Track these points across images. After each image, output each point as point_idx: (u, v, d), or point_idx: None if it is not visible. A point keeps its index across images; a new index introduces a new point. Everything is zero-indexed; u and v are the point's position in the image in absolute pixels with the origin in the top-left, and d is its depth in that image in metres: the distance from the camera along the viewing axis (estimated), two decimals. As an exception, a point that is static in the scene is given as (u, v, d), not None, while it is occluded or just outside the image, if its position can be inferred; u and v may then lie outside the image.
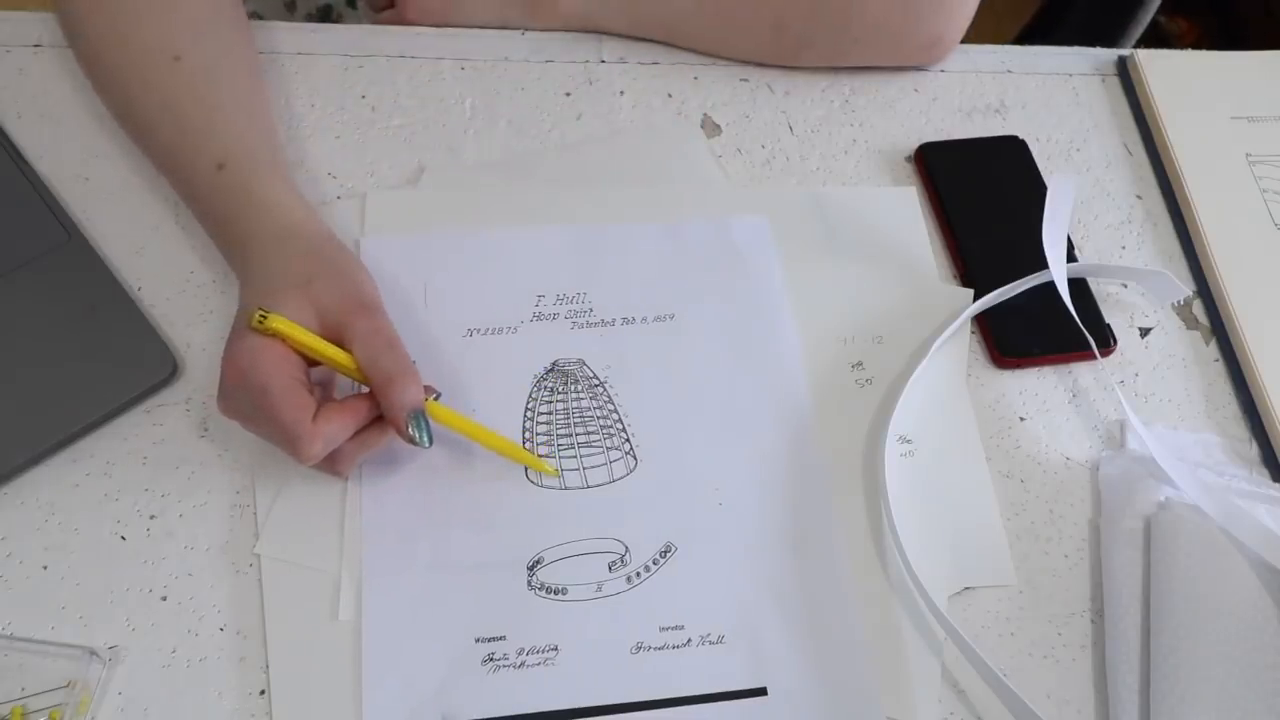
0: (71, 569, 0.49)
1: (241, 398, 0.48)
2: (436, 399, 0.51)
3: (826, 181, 0.65)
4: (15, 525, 0.50)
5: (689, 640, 0.50)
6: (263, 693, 0.47)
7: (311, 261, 0.51)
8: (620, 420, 0.55)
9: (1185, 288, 0.61)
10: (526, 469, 0.53)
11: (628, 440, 0.55)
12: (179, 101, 0.55)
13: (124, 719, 0.46)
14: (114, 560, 0.50)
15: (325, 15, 0.78)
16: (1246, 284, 0.63)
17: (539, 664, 0.49)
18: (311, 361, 0.50)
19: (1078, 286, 0.62)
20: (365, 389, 0.50)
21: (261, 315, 0.47)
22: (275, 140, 0.57)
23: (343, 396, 0.50)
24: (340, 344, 0.49)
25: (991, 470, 0.56)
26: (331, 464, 0.49)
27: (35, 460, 0.51)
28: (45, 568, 0.49)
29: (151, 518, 0.51)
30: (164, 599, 0.49)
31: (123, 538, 0.50)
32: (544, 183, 0.63)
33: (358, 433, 0.49)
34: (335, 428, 0.47)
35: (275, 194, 0.53)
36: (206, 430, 0.53)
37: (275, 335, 0.48)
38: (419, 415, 0.49)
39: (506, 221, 0.61)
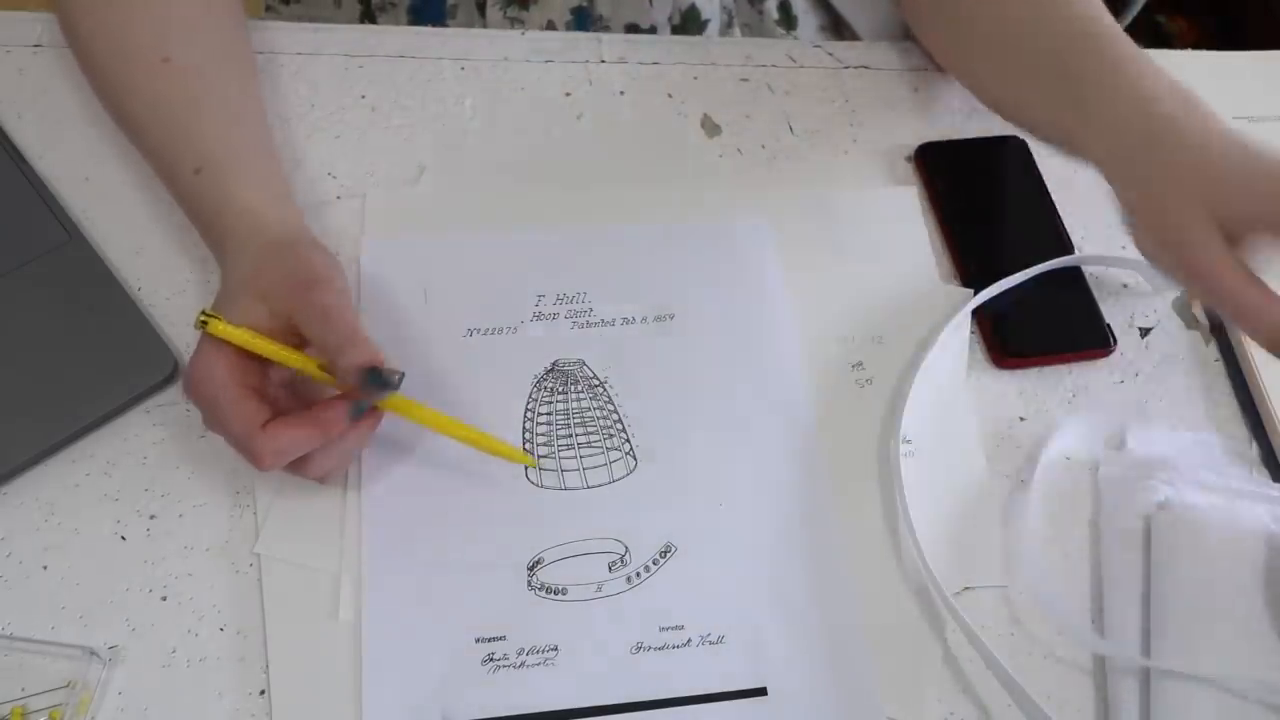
0: (71, 569, 0.49)
1: (201, 409, 0.48)
2: (399, 381, 0.48)
3: (826, 182, 0.65)
4: (15, 525, 0.50)
5: (689, 640, 0.50)
6: (263, 693, 0.47)
7: (265, 255, 0.50)
8: (620, 420, 0.55)
9: None
10: (526, 469, 0.53)
11: (628, 440, 0.55)
12: (164, 104, 0.54)
13: (124, 719, 0.46)
14: (114, 560, 0.50)
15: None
16: (1246, 284, 0.62)
17: (539, 664, 0.49)
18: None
19: (1077, 286, 0.62)
20: (333, 393, 0.49)
21: (202, 320, 0.47)
22: (262, 141, 0.57)
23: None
24: (295, 331, 0.48)
25: (991, 470, 0.56)
26: (300, 470, 0.48)
27: (35, 460, 0.51)
28: (45, 568, 0.49)
29: (151, 518, 0.51)
30: (164, 599, 0.49)
31: (123, 538, 0.50)
32: (544, 183, 0.63)
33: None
34: (289, 438, 0.46)
35: (248, 197, 0.52)
36: (206, 430, 0.53)
37: (219, 340, 0.47)
38: (370, 373, 0.46)
39: (506, 221, 0.61)
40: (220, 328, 0.47)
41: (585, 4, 0.74)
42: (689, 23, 0.76)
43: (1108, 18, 0.57)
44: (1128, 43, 0.55)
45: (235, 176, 0.53)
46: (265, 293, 0.48)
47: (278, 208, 0.53)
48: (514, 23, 0.75)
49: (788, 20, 0.79)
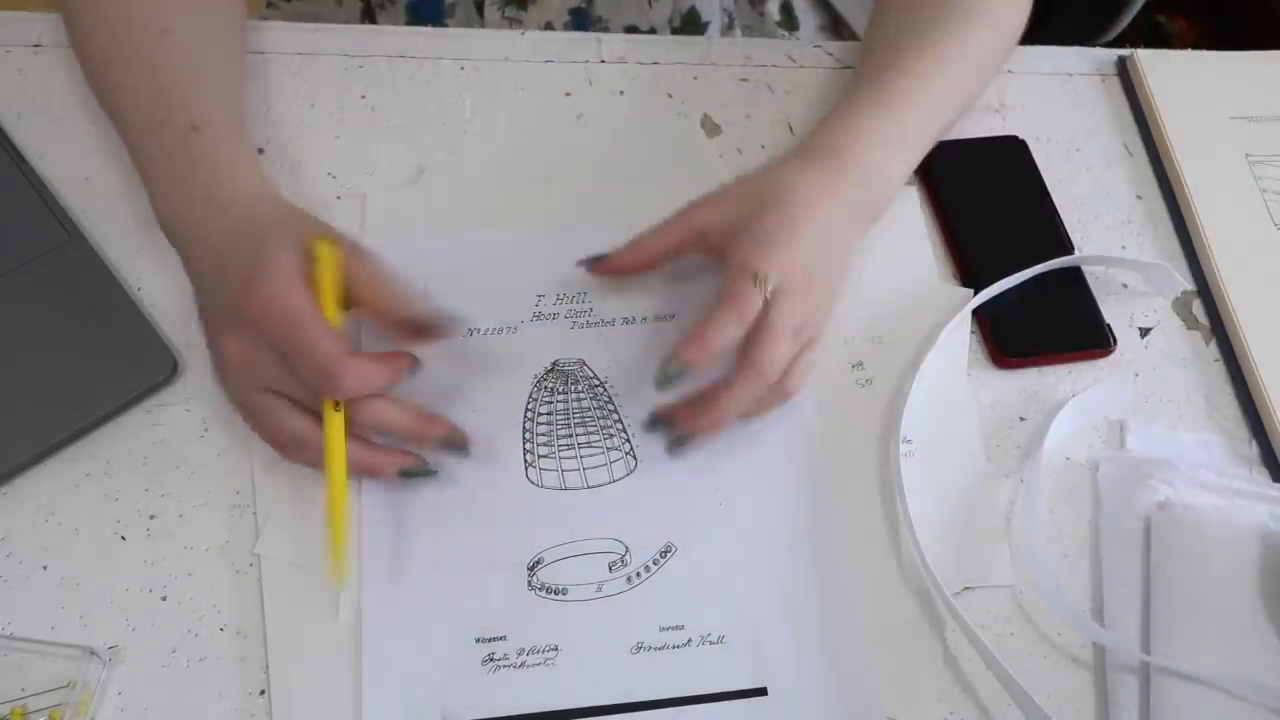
0: (71, 569, 0.49)
1: (273, 324, 0.46)
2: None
3: (826, 181, 0.65)
4: (15, 525, 0.50)
5: (689, 640, 0.50)
6: (263, 693, 0.47)
7: (283, 212, 0.51)
8: (620, 420, 0.55)
9: (1184, 281, 0.62)
10: (526, 469, 0.53)
11: (628, 440, 0.55)
12: (161, 67, 0.55)
13: (124, 719, 0.46)
14: (114, 560, 0.50)
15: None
16: (1246, 284, 0.63)
17: (539, 664, 0.49)
18: None
19: (1077, 286, 0.62)
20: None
21: (323, 240, 0.48)
22: (247, 123, 0.57)
23: None
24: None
25: (991, 470, 0.56)
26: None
27: (35, 460, 0.51)
28: (45, 568, 0.49)
29: (151, 518, 0.51)
30: (164, 599, 0.49)
31: (123, 538, 0.50)
32: (544, 183, 0.63)
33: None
34: (371, 366, 0.47)
35: (247, 160, 0.53)
36: (206, 430, 0.53)
37: (323, 261, 0.47)
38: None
39: (507, 221, 0.61)
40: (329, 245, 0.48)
41: (584, 5, 0.74)
42: (689, 25, 0.76)
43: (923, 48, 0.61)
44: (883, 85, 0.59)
45: (231, 137, 0.54)
46: (299, 243, 0.48)
47: (266, 176, 0.54)
48: (512, 23, 0.75)
49: (790, 21, 0.80)
